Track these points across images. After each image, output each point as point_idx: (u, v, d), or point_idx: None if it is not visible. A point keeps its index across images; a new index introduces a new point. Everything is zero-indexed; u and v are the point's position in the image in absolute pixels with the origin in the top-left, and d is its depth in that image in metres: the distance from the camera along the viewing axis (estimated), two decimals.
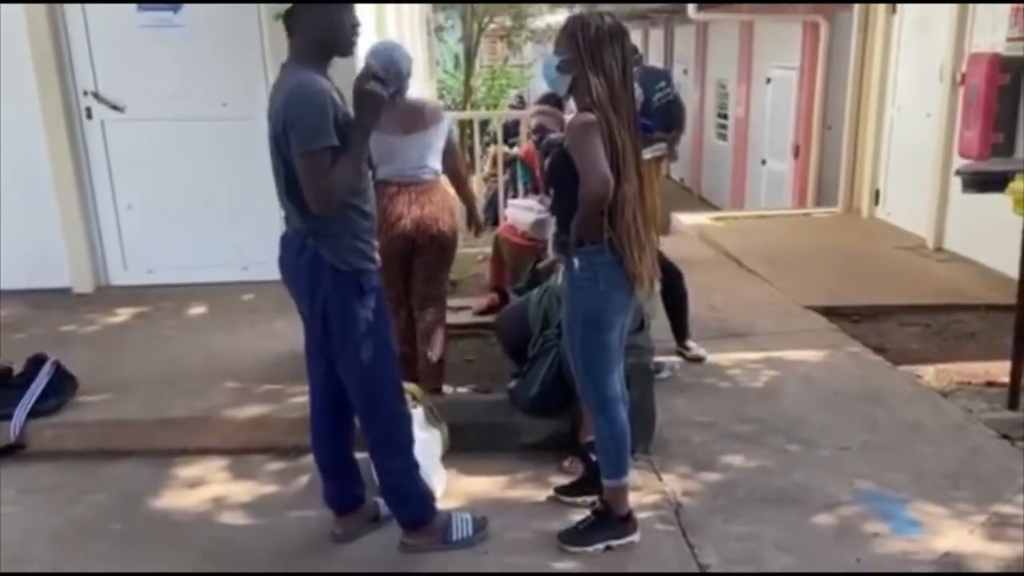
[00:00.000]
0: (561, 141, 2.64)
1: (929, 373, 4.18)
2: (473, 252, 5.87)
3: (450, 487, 3.10)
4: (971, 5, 5.81)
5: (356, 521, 2.83)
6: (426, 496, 2.75)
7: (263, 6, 4.57)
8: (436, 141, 3.50)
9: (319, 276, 2.46)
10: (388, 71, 3.24)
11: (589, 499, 2.91)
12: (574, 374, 2.74)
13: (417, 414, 2.98)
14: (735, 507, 2.95)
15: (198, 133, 4.84)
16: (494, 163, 7.13)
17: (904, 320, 4.96)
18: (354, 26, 2.47)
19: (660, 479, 3.16)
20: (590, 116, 2.49)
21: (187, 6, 4.67)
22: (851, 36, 7.46)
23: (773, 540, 2.77)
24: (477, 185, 6.49)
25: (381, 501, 2.83)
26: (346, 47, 2.48)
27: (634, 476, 3.07)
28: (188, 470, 3.29)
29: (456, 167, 3.73)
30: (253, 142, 4.44)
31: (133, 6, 4.65)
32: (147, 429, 3.43)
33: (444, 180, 3.66)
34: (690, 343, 4.32)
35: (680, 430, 3.50)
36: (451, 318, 4.61)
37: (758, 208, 9.82)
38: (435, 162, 3.51)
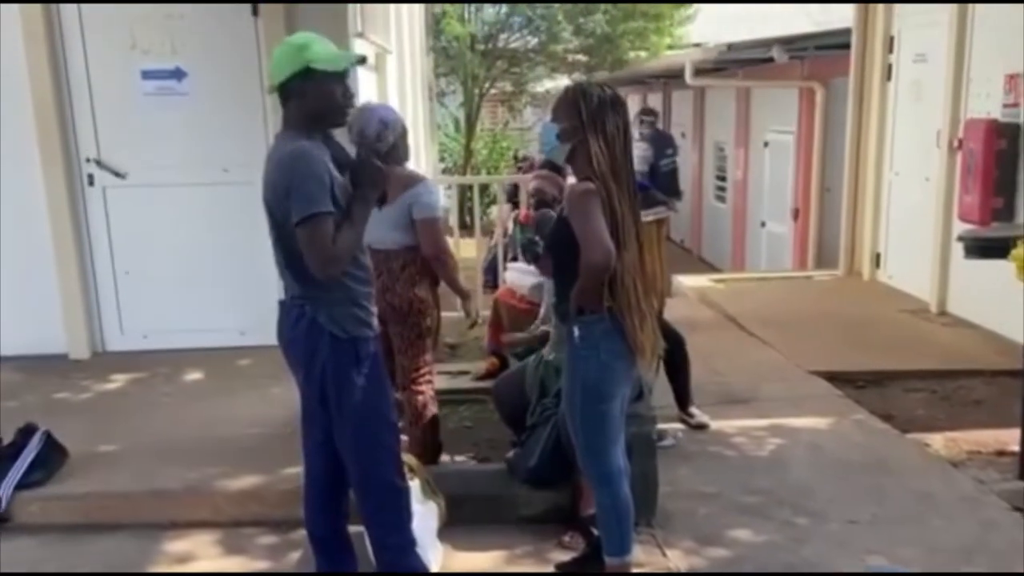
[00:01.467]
0: (542, 218, 2.63)
1: (938, 441, 4.09)
2: None
3: (446, 563, 2.99)
4: (965, 73, 5.89)
5: None
6: (422, 573, 2.65)
7: (265, 74, 4.64)
8: (398, 217, 3.23)
9: (317, 343, 2.43)
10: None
11: None
12: (575, 446, 2.67)
13: (414, 486, 2.90)
14: None
15: (199, 199, 4.86)
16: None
17: (909, 386, 4.89)
18: (347, 96, 2.47)
19: (664, 554, 3.06)
20: (590, 185, 2.48)
21: (191, 75, 4.73)
22: (847, 102, 7.56)
23: None
24: (479, 248, 6.48)
25: None
26: (338, 118, 2.49)
27: (638, 551, 2.98)
28: (177, 544, 3.19)
29: (433, 251, 3.29)
30: (253, 207, 4.42)
31: (138, 74, 4.72)
32: (136, 501, 3.35)
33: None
34: (693, 410, 4.24)
35: (684, 502, 3.40)
36: (449, 383, 4.57)
37: (758, 270, 9.81)
38: (402, 236, 3.26)
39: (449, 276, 3.43)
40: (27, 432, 3.47)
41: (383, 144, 3.23)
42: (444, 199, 6.85)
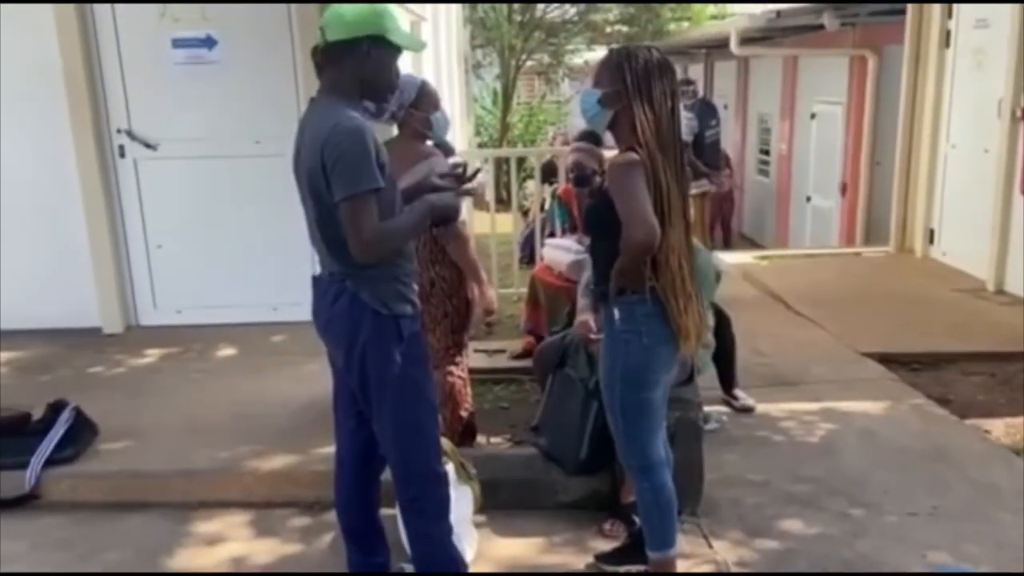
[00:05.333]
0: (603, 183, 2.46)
1: (998, 428, 3.88)
2: (509, 292, 5.71)
3: (482, 549, 2.89)
4: None
5: None
6: (459, 563, 2.54)
7: (297, 41, 4.52)
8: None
9: (359, 321, 2.29)
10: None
11: (633, 568, 2.68)
12: (613, 435, 2.52)
13: (448, 471, 2.78)
14: None
15: (230, 171, 4.77)
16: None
17: (967, 368, 4.65)
18: (397, 75, 2.39)
19: (710, 546, 2.91)
20: (634, 156, 2.30)
21: (221, 43, 4.62)
22: (901, 70, 7.22)
23: None
24: (515, 223, 6.33)
25: (408, 567, 2.63)
26: (386, 93, 2.41)
27: (682, 542, 2.84)
28: (207, 525, 3.12)
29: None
30: (285, 180, 4.31)
31: (168, 43, 4.62)
32: (166, 480, 3.28)
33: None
34: (738, 392, 4.07)
35: (731, 490, 3.24)
36: (486, 362, 4.46)
37: (803, 246, 9.51)
38: None
39: (460, 255, 3.15)
40: (57, 408, 3.42)
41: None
42: (483, 176, 6.68)
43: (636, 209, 2.24)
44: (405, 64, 5.25)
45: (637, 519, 2.73)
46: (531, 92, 20.81)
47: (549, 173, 6.98)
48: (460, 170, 2.59)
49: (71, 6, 4.55)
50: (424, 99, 3.13)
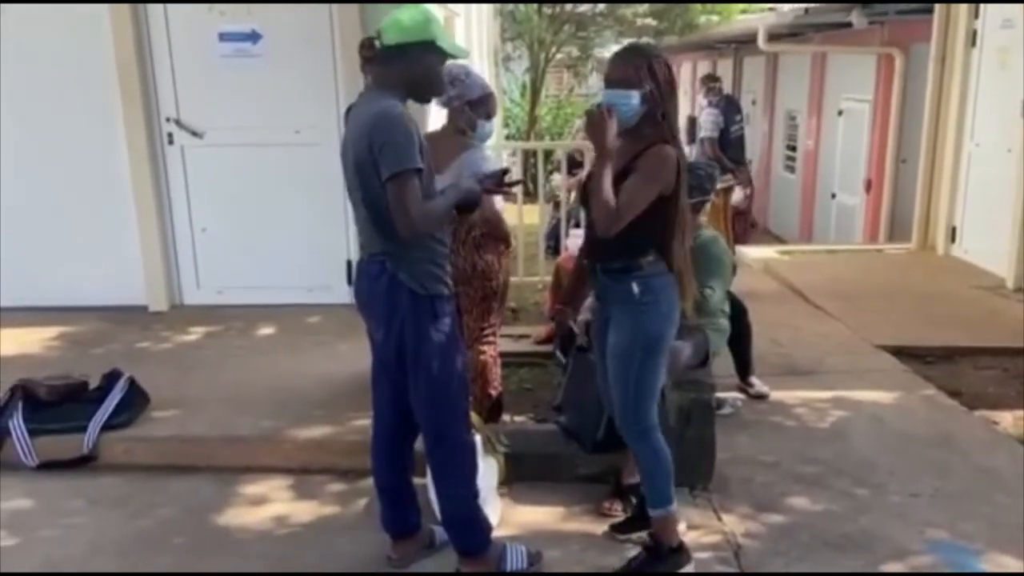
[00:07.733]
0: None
1: (1006, 419, 4.00)
2: (534, 280, 5.89)
3: (505, 516, 3.08)
4: None
5: (412, 547, 2.84)
6: (484, 525, 2.74)
7: (337, 37, 4.72)
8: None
9: (397, 300, 2.50)
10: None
11: (644, 534, 2.86)
12: (616, 404, 2.68)
13: (476, 441, 2.98)
14: (798, 551, 2.86)
15: (271, 159, 4.99)
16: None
17: (980, 363, 4.76)
18: (441, 78, 2.61)
19: (720, 519, 3.09)
20: (672, 150, 2.49)
21: (265, 37, 4.84)
22: (927, 69, 7.29)
23: None
24: (541, 215, 6.50)
25: (438, 529, 2.84)
26: (432, 94, 2.62)
27: (693, 515, 3.05)
28: (251, 487, 3.36)
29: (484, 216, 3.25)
30: (322, 168, 4.59)
31: (215, 36, 4.85)
32: (212, 446, 3.52)
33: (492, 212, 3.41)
34: (753, 379, 4.23)
35: (742, 469, 3.42)
36: (511, 346, 4.64)
37: (827, 242, 9.59)
38: None
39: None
40: (112, 377, 3.67)
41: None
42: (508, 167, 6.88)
43: (640, 199, 2.44)
44: None
45: (634, 499, 2.95)
46: (559, 85, 20.89)
47: (572, 165, 7.14)
48: (502, 175, 2.79)
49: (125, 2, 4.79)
50: (482, 105, 3.36)
